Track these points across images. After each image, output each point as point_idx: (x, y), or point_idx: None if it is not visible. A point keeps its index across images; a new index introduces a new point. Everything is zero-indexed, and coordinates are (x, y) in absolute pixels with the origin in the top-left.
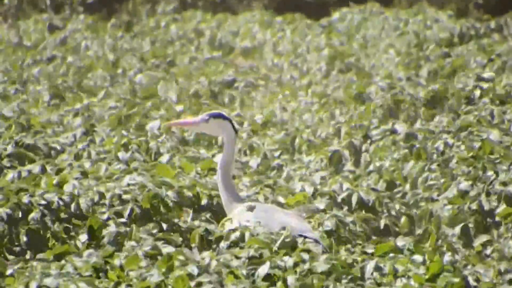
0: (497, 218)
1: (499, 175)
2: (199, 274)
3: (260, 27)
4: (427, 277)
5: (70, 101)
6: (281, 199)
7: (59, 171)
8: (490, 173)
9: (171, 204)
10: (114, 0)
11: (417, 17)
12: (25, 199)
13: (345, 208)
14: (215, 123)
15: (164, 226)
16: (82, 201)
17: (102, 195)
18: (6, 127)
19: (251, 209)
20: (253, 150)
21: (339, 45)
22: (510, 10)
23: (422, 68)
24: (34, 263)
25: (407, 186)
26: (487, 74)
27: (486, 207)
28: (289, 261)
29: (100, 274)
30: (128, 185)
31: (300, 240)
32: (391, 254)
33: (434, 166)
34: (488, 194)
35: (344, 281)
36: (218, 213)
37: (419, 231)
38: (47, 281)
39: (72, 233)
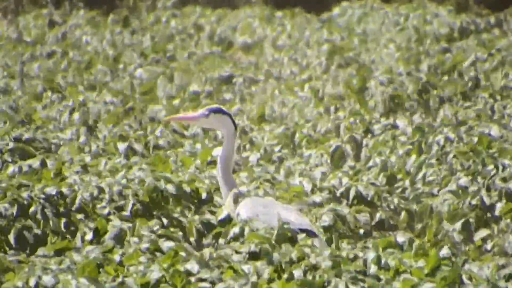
0: (497, 213)
1: (499, 170)
2: (199, 271)
3: (260, 22)
4: (426, 271)
5: (73, 95)
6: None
7: (59, 166)
8: (490, 167)
9: (170, 198)
10: None
11: (417, 12)
12: (25, 193)
13: (344, 202)
14: (215, 117)
15: (165, 221)
16: (82, 195)
17: (101, 190)
18: (5, 122)
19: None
20: (253, 145)
21: (339, 40)
22: (510, 5)
23: (422, 63)
24: (34, 258)
25: (407, 181)
26: (487, 69)
27: (487, 202)
28: (293, 255)
29: (100, 269)
30: (127, 180)
31: (301, 236)
32: (390, 250)
33: (433, 161)
34: (488, 189)
35: (348, 275)
36: (218, 208)
37: (418, 226)
38: (46, 278)
39: (72, 228)
